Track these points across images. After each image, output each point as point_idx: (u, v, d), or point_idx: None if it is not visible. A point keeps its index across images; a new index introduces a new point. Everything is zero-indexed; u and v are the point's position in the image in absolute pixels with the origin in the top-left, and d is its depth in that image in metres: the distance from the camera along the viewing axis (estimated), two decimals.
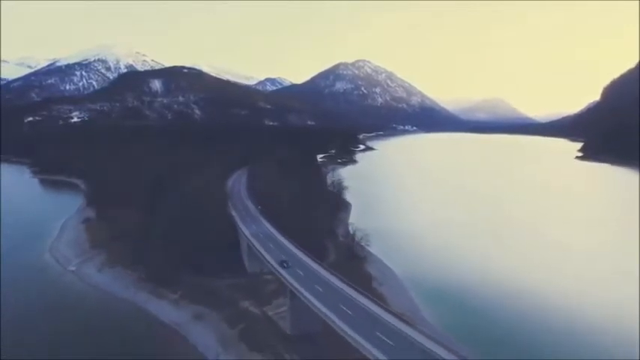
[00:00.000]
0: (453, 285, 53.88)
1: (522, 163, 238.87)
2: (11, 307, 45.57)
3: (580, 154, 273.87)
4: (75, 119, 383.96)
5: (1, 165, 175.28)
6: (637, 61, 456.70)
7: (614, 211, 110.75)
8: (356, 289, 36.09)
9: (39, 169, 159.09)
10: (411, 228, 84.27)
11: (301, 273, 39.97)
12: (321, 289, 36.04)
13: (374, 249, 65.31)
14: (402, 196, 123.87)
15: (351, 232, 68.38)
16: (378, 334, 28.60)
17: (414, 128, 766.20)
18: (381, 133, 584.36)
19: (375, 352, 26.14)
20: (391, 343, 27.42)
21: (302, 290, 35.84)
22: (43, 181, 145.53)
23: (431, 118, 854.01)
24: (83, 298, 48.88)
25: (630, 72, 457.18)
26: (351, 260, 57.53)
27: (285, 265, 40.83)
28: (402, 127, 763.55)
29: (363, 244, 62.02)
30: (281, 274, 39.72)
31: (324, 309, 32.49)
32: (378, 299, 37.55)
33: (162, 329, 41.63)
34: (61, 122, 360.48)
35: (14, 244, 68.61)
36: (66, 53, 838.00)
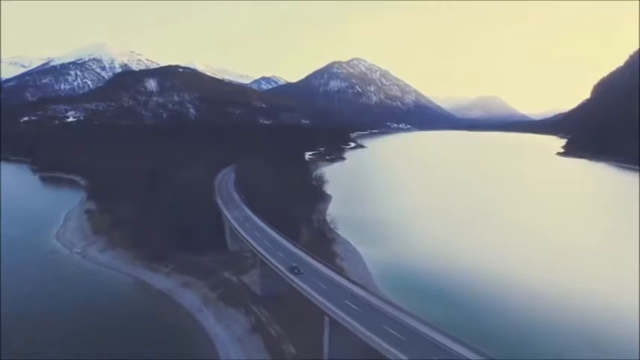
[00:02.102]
0: (415, 265, 60.27)
1: (505, 159, 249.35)
2: (29, 281, 54.16)
3: (562, 151, 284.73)
4: (71, 119, 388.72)
5: (1, 164, 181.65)
6: (627, 59, 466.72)
7: (579, 200, 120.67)
8: (314, 258, 44.89)
9: (39, 167, 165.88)
10: (384, 215, 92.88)
11: (269, 245, 48.89)
12: (282, 255, 44.94)
13: (345, 233, 74.07)
14: (382, 188, 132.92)
15: (324, 218, 77.18)
16: (319, 284, 37.59)
17: (408, 126, 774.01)
18: (375, 131, 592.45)
19: (310, 290, 35.62)
20: (325, 287, 36.52)
21: (269, 258, 44.67)
22: (43, 179, 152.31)
23: (425, 116, 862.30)
24: (89, 272, 57.50)
25: (619, 70, 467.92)
26: (321, 241, 66.33)
27: (296, 271, 39.41)
28: (396, 125, 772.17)
29: (332, 227, 70.80)
30: (252, 245, 48.53)
31: (282, 267, 41.36)
32: (338, 270, 45.97)
33: (155, 293, 50.51)
34: (56, 122, 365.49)
35: (24, 232, 76.86)
36: (60, 53, 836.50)
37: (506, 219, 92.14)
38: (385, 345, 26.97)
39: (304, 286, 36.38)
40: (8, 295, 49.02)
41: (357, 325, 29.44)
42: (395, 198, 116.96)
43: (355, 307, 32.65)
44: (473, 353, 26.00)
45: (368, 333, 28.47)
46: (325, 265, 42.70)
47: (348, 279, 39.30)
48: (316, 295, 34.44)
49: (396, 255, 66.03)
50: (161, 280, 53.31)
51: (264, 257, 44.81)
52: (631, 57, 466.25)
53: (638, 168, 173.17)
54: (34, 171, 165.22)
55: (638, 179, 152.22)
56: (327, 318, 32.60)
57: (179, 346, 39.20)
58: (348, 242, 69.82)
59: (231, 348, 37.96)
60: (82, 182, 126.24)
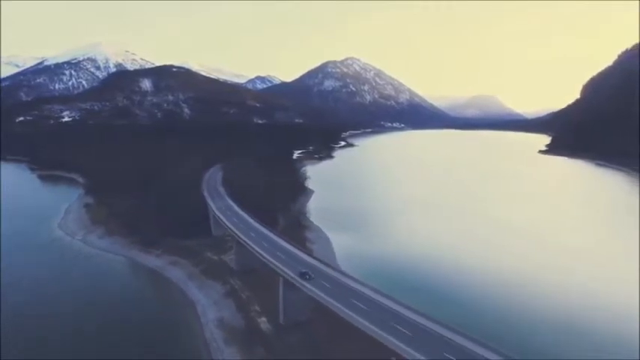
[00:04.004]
0: (379, 249, 67.30)
1: (489, 156, 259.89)
2: (37, 263, 62.47)
3: (545, 149, 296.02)
4: (66, 119, 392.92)
5: (1, 163, 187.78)
6: (615, 59, 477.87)
7: (548, 192, 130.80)
8: (280, 237, 53.54)
9: (37, 166, 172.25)
10: (361, 208, 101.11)
11: (244, 227, 57.52)
12: (254, 235, 53.70)
13: (320, 222, 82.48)
14: (364, 184, 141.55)
15: (302, 209, 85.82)
16: (279, 254, 46.37)
17: (402, 125, 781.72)
18: (369, 130, 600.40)
19: (270, 257, 44.41)
20: (283, 257, 45.27)
21: (243, 237, 53.31)
22: (41, 177, 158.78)
23: (419, 115, 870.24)
24: (90, 255, 65.87)
25: (608, 70, 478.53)
26: (296, 228, 74.98)
27: (307, 276, 39.05)
28: (389, 124, 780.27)
29: (307, 217, 79.44)
30: (230, 228, 57.20)
31: (255, 245, 49.99)
32: (312, 256, 53.31)
33: (147, 270, 59.10)
34: (52, 122, 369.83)
35: (29, 224, 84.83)
36: (54, 52, 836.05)
37: (478, 211, 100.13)
38: (317, 292, 35.79)
39: (267, 256, 45.09)
40: (20, 274, 57.22)
41: (305, 283, 38.21)
42: (374, 192, 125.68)
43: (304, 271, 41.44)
44: (383, 297, 34.83)
45: (308, 285, 37.28)
46: (288, 242, 51.42)
47: (304, 252, 48.07)
48: (273, 260, 43.24)
49: (363, 241, 74.41)
50: (153, 260, 61.73)
51: (239, 236, 53.53)
52: (619, 56, 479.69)
53: (611, 165, 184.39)
54: (32, 170, 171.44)
55: (611, 176, 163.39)
56: (281, 278, 41.35)
57: (167, 308, 47.81)
58: (321, 230, 78.42)
59: (209, 309, 46.54)
60: (80, 180, 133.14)
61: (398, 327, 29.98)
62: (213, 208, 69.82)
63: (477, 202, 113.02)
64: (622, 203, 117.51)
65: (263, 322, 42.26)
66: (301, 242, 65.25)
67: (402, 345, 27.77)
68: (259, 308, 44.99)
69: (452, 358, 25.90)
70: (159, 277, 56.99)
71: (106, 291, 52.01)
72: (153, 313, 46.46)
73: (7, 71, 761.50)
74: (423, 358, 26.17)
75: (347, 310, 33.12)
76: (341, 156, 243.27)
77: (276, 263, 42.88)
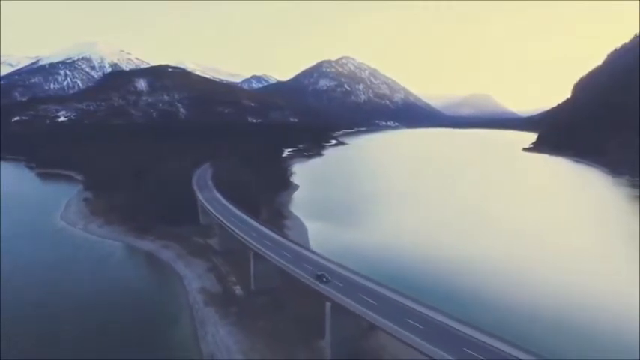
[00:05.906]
0: (350, 236, 74.46)
1: (475, 153, 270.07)
2: (45, 249, 70.71)
3: (529, 147, 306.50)
4: (62, 118, 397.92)
5: (1, 162, 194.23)
6: (605, 58, 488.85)
7: (532, 188, 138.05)
8: (256, 220, 62.08)
9: (36, 165, 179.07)
10: (342, 201, 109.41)
11: (227, 214, 66.02)
12: (235, 220, 62.24)
13: (300, 213, 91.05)
14: (348, 179, 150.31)
15: (284, 201, 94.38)
16: (253, 234, 54.96)
17: (396, 124, 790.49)
18: (363, 129, 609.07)
19: (243, 234, 53.03)
20: (254, 234, 53.90)
21: (225, 221, 61.82)
22: (40, 175, 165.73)
23: (414, 114, 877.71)
24: (91, 241, 74.20)
25: (598, 69, 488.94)
26: (276, 217, 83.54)
27: (324, 279, 38.84)
28: (384, 123, 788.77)
29: (288, 208, 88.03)
30: (214, 214, 65.73)
31: (233, 227, 58.51)
32: (282, 235, 61.84)
33: (142, 252, 67.60)
34: (48, 122, 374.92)
35: (33, 216, 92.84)
36: (48, 51, 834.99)
37: (453, 202, 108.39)
38: (277, 258, 44.54)
39: (242, 234, 53.66)
40: (31, 257, 65.33)
41: (268, 252, 46.91)
42: (355, 187, 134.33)
43: (270, 244, 50.15)
44: (326, 261, 43.54)
45: (271, 254, 45.98)
46: (263, 225, 60.01)
47: (275, 232, 56.76)
48: (247, 237, 51.84)
49: (336, 228, 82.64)
50: (147, 245, 70.14)
51: (221, 220, 62.09)
52: (608, 56, 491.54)
53: (586, 162, 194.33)
54: (30, 168, 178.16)
55: (584, 172, 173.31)
56: (251, 252, 49.97)
57: (159, 280, 56.35)
58: (299, 219, 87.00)
59: (193, 280, 55.03)
60: (78, 177, 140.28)
61: (335, 282, 38.74)
62: (201, 198, 78.17)
63: (452, 194, 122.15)
64: (588, 197, 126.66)
65: (237, 289, 50.87)
66: (279, 228, 73.42)
67: (335, 292, 36.54)
68: (235, 279, 53.60)
69: (368, 299, 34.64)
70: (153, 257, 65.43)
71: (107, 268, 60.38)
72: (147, 285, 54.94)
73: (2, 70, 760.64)
74: (348, 299, 34.91)
75: (292, 267, 41.93)
76: (330, 154, 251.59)
77: (249, 239, 51.48)
